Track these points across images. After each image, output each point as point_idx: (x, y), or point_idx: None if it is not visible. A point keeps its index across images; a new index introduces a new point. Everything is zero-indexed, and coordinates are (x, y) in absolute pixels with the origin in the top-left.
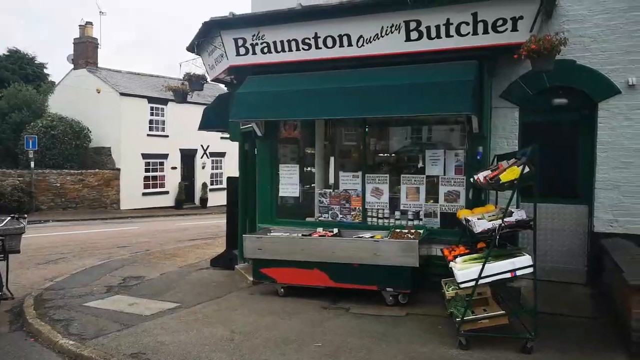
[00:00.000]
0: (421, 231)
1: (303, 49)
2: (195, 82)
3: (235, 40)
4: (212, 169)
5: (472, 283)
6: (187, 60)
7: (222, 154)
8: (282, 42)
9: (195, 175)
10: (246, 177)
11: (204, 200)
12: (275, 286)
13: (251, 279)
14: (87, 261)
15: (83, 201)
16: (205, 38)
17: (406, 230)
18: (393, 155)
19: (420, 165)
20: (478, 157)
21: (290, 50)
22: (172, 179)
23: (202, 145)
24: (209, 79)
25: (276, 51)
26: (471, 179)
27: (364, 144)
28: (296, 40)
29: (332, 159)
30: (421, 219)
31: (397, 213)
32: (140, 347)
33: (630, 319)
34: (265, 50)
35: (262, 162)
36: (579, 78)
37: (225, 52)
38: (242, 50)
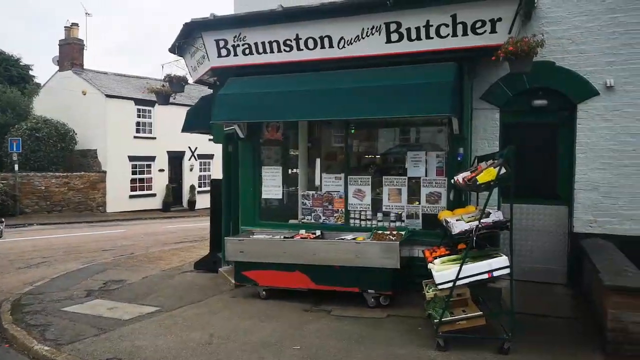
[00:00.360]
0: (403, 233)
1: (285, 50)
2: (175, 83)
3: (217, 41)
4: (200, 171)
5: (450, 284)
6: (170, 62)
7: (211, 156)
8: (263, 43)
9: (183, 178)
10: (230, 179)
11: (192, 202)
12: (257, 289)
13: (234, 281)
14: (69, 265)
15: (68, 204)
16: (186, 39)
17: (388, 232)
18: (375, 156)
19: (402, 166)
20: (459, 159)
21: (271, 51)
22: (160, 181)
23: (190, 147)
24: (191, 81)
25: (258, 52)
26: (452, 181)
27: (347, 145)
28: (278, 42)
29: (318, 160)
30: (403, 221)
31: (380, 214)
32: (116, 352)
33: (606, 319)
34: (247, 51)
35: (245, 163)
36: (558, 79)
37: (206, 54)
38: (223, 52)
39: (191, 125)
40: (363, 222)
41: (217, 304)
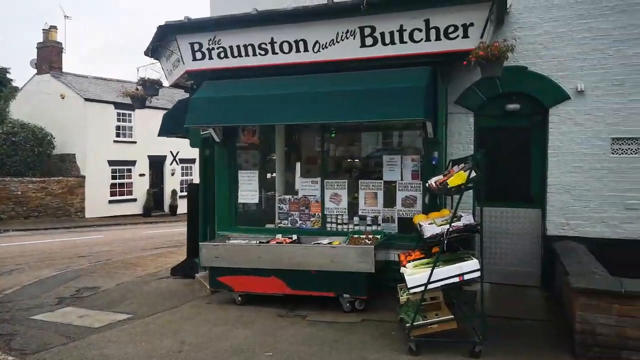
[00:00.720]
0: (378, 236)
1: (260, 54)
2: (149, 86)
3: (192, 44)
4: (182, 175)
5: (422, 288)
6: (145, 65)
7: (193, 161)
8: (238, 47)
9: (165, 182)
10: (207, 184)
11: (173, 207)
12: (233, 295)
13: (209, 287)
14: (43, 272)
15: (46, 210)
16: (161, 42)
17: (364, 236)
18: (352, 160)
19: (378, 170)
20: (434, 162)
21: (247, 55)
22: (140, 186)
23: (171, 152)
24: (167, 84)
25: (233, 56)
26: (426, 184)
27: (323, 149)
28: (253, 45)
29: (295, 164)
30: (379, 224)
31: (356, 218)
32: None
33: (575, 321)
34: (222, 55)
35: (221, 168)
36: (530, 84)
37: (181, 57)
38: (198, 55)
39: (167, 129)
40: (339, 226)
41: (191, 311)
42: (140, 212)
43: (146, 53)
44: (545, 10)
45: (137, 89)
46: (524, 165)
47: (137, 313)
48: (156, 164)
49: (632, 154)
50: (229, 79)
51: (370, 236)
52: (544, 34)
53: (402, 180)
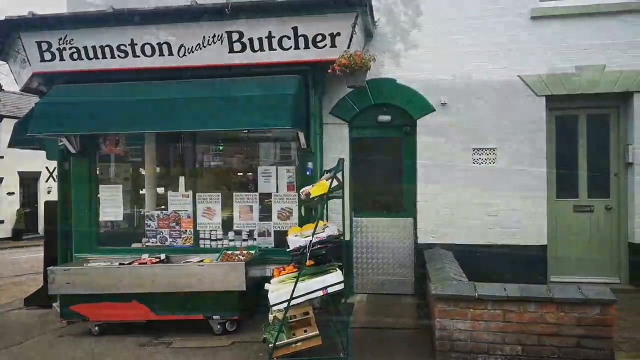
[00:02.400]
0: (253, 252)
1: (119, 56)
2: None
3: (39, 43)
4: None
5: (285, 304)
6: None
7: None
8: (94, 47)
9: (39, 202)
10: (66, 201)
11: None
12: (89, 325)
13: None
14: None
15: None
16: (3, 40)
17: (238, 252)
18: (225, 172)
19: (253, 182)
20: (308, 173)
21: (104, 57)
22: (9, 206)
23: (47, 168)
24: (17, 89)
25: (88, 58)
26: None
27: (194, 160)
28: (110, 47)
29: (182, 178)
30: (255, 239)
31: (231, 234)
32: None
33: (435, 328)
34: (75, 56)
35: (79, 182)
36: (399, 96)
37: (27, 57)
38: (47, 56)
39: (19, 139)
40: (214, 243)
41: (35, 347)
42: (8, 235)
43: None
44: (412, 25)
45: None
46: (396, 175)
47: None
48: (29, 180)
49: (489, 163)
50: (82, 83)
51: (245, 252)
52: (411, 47)
53: (277, 192)
